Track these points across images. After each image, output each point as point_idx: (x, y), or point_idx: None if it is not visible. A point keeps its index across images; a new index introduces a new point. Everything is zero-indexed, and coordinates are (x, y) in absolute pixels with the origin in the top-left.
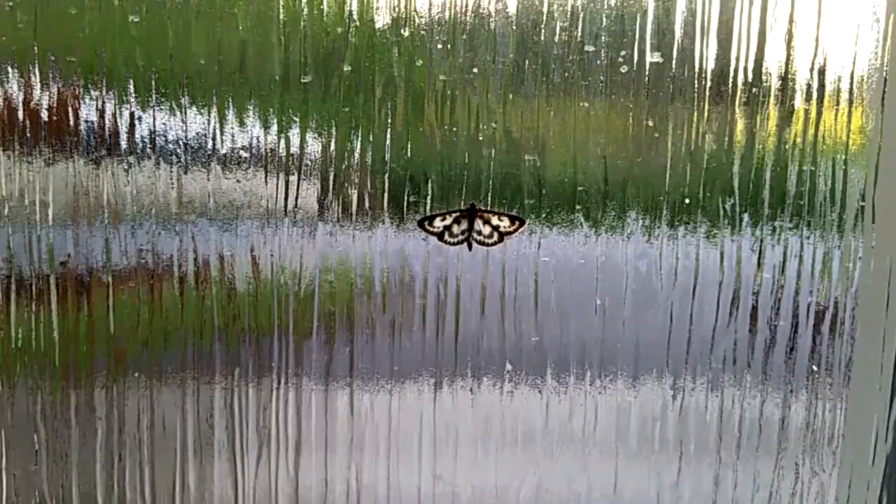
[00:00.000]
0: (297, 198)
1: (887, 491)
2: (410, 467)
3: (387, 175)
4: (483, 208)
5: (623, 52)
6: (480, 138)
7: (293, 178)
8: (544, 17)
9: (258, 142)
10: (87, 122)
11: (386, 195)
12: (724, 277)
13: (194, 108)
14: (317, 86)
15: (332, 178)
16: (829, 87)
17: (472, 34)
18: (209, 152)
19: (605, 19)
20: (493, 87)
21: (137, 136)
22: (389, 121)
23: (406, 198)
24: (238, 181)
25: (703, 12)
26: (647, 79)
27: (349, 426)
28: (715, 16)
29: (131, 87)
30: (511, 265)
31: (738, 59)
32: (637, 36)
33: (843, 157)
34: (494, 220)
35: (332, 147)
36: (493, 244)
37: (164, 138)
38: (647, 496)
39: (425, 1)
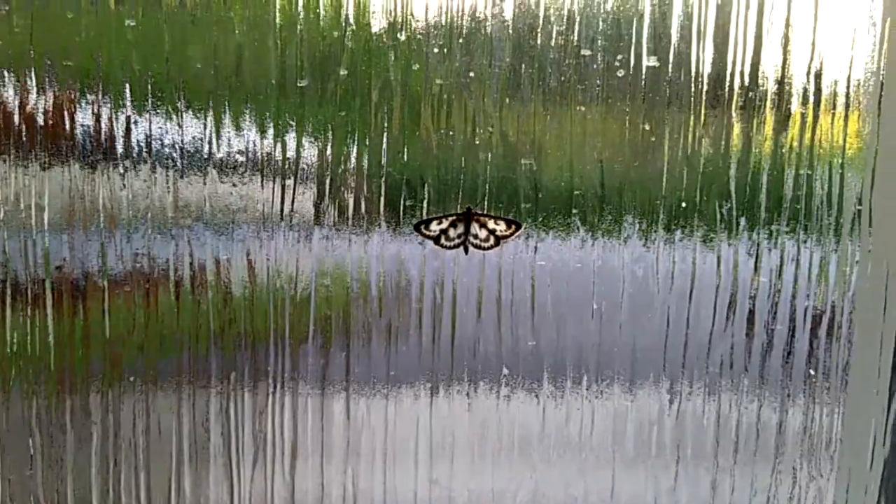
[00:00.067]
0: (293, 202)
1: (885, 495)
2: (407, 472)
3: (383, 179)
4: (479, 212)
5: (619, 57)
6: (477, 142)
7: (289, 183)
8: (540, 21)
9: (254, 146)
10: (83, 126)
11: (382, 199)
12: (720, 281)
13: (190, 113)
14: (313, 90)
15: (328, 182)
16: (825, 91)
17: (469, 38)
18: (205, 156)
19: (601, 23)
20: (490, 91)
21: (133, 140)
22: (386, 125)
23: (402, 202)
24: (234, 185)
25: (700, 16)
26: (643, 83)
27: (345, 431)
28: (711, 20)
29: (127, 91)
30: (507, 269)
31: (734, 63)
32: (633, 40)
33: (840, 161)
34: (491, 224)
35: (329, 151)
36: (489, 248)
37: (160, 142)
38: (644, 501)
39: (422, 5)
